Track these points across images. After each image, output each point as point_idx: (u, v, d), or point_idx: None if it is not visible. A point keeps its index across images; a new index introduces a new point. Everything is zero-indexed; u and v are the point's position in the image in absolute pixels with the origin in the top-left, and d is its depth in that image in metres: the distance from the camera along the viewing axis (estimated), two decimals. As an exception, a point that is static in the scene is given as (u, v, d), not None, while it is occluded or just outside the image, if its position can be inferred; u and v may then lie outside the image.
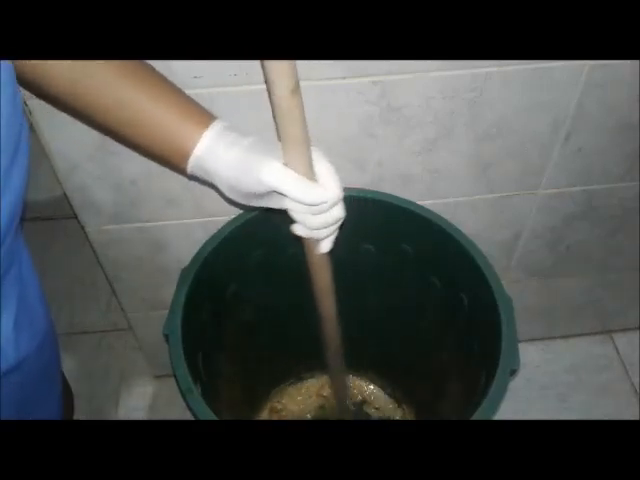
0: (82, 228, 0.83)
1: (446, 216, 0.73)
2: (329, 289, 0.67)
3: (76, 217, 0.81)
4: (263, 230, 0.74)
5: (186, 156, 0.51)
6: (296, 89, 0.46)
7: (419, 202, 0.74)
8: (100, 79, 0.48)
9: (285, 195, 0.51)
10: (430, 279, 0.79)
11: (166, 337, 0.64)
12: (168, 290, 0.68)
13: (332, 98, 0.69)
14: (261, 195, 0.52)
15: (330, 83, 0.67)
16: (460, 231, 0.72)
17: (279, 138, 0.50)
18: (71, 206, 0.80)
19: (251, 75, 0.65)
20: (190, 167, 0.52)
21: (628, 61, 0.70)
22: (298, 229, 0.55)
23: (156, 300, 0.96)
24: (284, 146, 0.50)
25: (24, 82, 0.48)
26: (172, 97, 0.51)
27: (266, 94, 0.67)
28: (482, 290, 0.67)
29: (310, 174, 0.51)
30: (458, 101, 0.71)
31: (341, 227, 0.79)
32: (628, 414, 1.10)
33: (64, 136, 0.70)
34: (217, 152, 0.51)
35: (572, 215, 0.92)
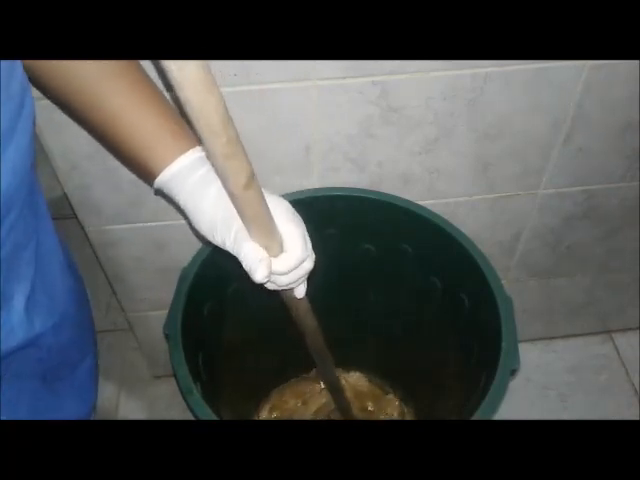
0: (82, 228, 0.83)
1: (446, 216, 0.73)
2: (314, 327, 0.67)
3: (76, 217, 0.81)
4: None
5: (153, 174, 0.51)
6: (250, 183, 0.45)
7: (419, 202, 0.74)
8: (87, 77, 0.48)
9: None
10: (430, 279, 0.79)
11: (166, 337, 0.64)
12: (168, 290, 0.68)
13: (332, 98, 0.69)
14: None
15: (330, 83, 0.67)
16: (460, 231, 0.72)
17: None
18: (71, 206, 0.80)
19: (251, 75, 0.65)
20: (156, 186, 0.53)
21: (628, 61, 0.70)
22: (269, 286, 0.56)
23: (156, 300, 0.96)
24: (246, 225, 0.49)
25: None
26: (155, 109, 0.51)
27: (266, 94, 0.68)
28: (482, 290, 0.67)
29: (273, 242, 0.51)
30: (458, 101, 0.71)
31: (341, 227, 0.79)
32: (628, 414, 1.10)
33: (64, 136, 0.70)
34: (184, 186, 0.51)
35: (572, 215, 0.92)
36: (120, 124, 0.50)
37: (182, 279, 0.68)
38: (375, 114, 0.72)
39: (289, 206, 0.53)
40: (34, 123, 0.48)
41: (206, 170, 0.51)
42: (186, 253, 0.70)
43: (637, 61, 0.70)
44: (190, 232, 0.83)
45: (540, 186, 0.86)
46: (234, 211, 0.49)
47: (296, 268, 0.53)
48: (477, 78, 0.69)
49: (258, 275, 0.51)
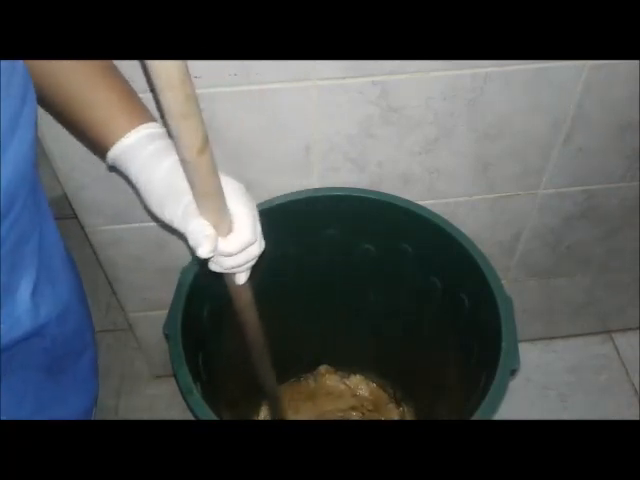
0: (82, 228, 0.83)
1: (446, 216, 0.73)
2: (254, 321, 0.66)
3: (76, 217, 0.81)
4: (263, 230, 0.74)
5: (105, 148, 0.52)
6: (204, 148, 0.44)
7: (419, 202, 0.74)
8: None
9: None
10: (430, 279, 0.79)
11: (166, 337, 0.64)
12: (168, 290, 0.68)
13: (332, 98, 0.69)
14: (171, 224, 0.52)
15: (330, 83, 0.67)
16: (460, 231, 0.72)
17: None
18: (71, 206, 0.80)
19: (251, 75, 0.65)
20: (109, 160, 0.53)
21: (628, 61, 0.70)
22: (213, 267, 0.55)
23: (156, 300, 0.96)
24: (196, 198, 0.48)
25: None
26: (109, 85, 0.51)
27: (266, 94, 0.68)
28: (482, 290, 0.67)
29: (222, 221, 0.50)
30: (458, 101, 0.71)
31: (341, 227, 0.79)
32: (628, 414, 1.10)
33: (64, 136, 0.70)
34: (136, 159, 0.51)
35: (572, 215, 0.92)
36: (75, 102, 0.50)
37: (182, 279, 0.68)
38: (375, 114, 0.72)
39: (242, 188, 0.53)
40: (36, 118, 0.49)
41: (159, 145, 0.51)
42: (186, 253, 0.70)
43: (637, 61, 0.70)
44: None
45: (540, 186, 0.86)
46: (185, 186, 0.48)
47: (243, 251, 0.52)
48: (477, 78, 0.69)
49: (202, 250, 0.49)
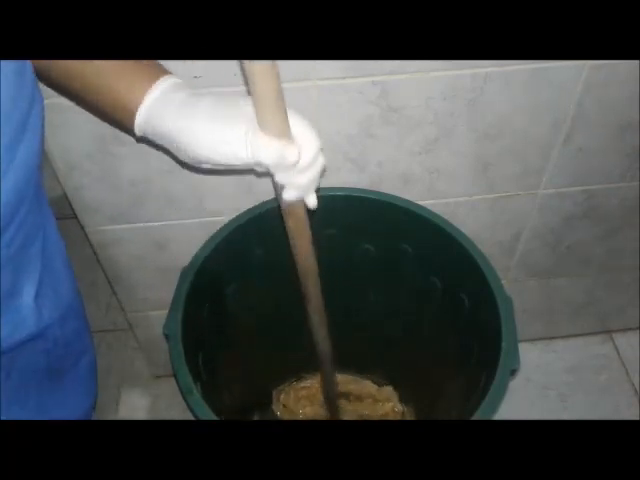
0: (82, 228, 0.83)
1: (446, 216, 0.73)
2: (312, 261, 0.63)
3: (76, 217, 0.81)
4: (263, 230, 0.74)
5: (132, 116, 0.48)
6: None
7: (419, 202, 0.74)
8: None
9: (269, 167, 0.48)
10: (430, 279, 0.79)
11: (166, 337, 0.64)
12: (168, 290, 0.68)
13: (332, 98, 0.69)
14: (232, 166, 0.49)
15: (330, 83, 0.67)
16: (460, 231, 0.72)
17: (249, 93, 0.46)
18: (71, 206, 0.80)
19: (251, 75, 0.65)
20: (137, 128, 0.49)
21: (628, 61, 0.70)
22: (290, 194, 0.52)
23: (156, 300, 0.96)
24: (257, 104, 0.45)
25: None
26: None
27: (266, 94, 0.68)
28: (482, 290, 0.67)
29: (286, 132, 0.47)
30: (458, 101, 0.71)
31: (341, 227, 0.79)
32: (628, 414, 1.10)
33: (64, 136, 0.70)
34: (167, 113, 0.47)
35: (572, 215, 0.92)
36: (89, 87, 0.48)
37: (182, 279, 0.68)
38: (375, 114, 0.72)
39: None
40: (43, 119, 0.49)
41: (188, 91, 0.48)
42: (186, 253, 0.70)
43: (637, 61, 0.70)
44: (190, 232, 0.83)
45: (540, 186, 0.86)
46: (238, 115, 0.46)
47: (315, 163, 0.50)
48: (477, 78, 0.69)
49: (289, 159, 0.46)
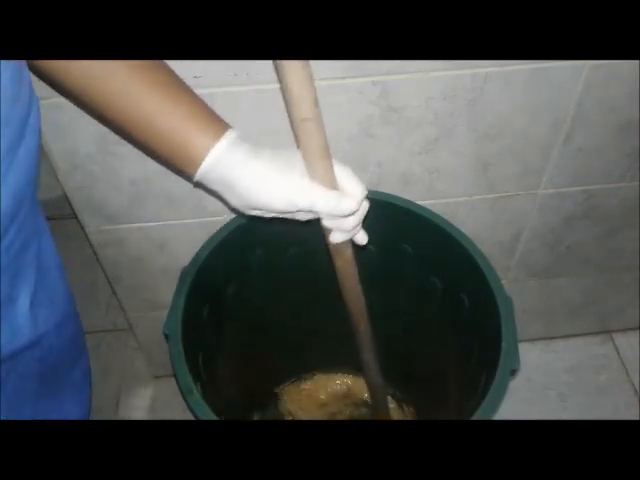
0: (82, 228, 0.83)
1: (446, 216, 0.73)
2: (361, 300, 0.68)
3: (76, 217, 0.81)
4: (263, 230, 0.74)
5: (196, 164, 0.50)
6: (317, 103, 0.48)
7: (419, 202, 0.74)
8: (114, 77, 0.46)
9: (318, 213, 0.53)
10: (430, 279, 0.79)
11: (166, 337, 0.63)
12: (168, 290, 0.68)
13: (332, 98, 0.69)
14: (284, 212, 0.53)
15: (330, 83, 0.67)
16: (460, 231, 0.72)
17: (298, 146, 0.51)
18: (71, 206, 0.80)
19: (251, 75, 0.65)
20: (199, 175, 0.51)
21: (628, 61, 0.70)
22: (337, 237, 0.56)
23: (156, 300, 0.96)
24: (307, 158, 0.50)
25: (38, 73, 0.47)
26: (187, 101, 0.50)
27: (266, 94, 0.68)
28: (482, 290, 0.67)
29: (334, 182, 0.52)
30: (458, 101, 0.71)
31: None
32: (628, 414, 1.10)
33: (64, 136, 0.70)
34: (233, 163, 0.50)
35: (572, 215, 0.92)
36: (155, 120, 0.48)
37: (182, 279, 0.68)
38: (375, 114, 0.72)
39: None
40: (40, 124, 0.49)
41: (248, 144, 0.51)
42: (186, 253, 0.70)
43: (637, 61, 0.70)
44: (190, 232, 0.83)
45: (540, 186, 0.86)
46: (293, 165, 0.50)
47: (361, 207, 0.54)
48: (477, 78, 0.69)
49: (345, 205, 0.51)
